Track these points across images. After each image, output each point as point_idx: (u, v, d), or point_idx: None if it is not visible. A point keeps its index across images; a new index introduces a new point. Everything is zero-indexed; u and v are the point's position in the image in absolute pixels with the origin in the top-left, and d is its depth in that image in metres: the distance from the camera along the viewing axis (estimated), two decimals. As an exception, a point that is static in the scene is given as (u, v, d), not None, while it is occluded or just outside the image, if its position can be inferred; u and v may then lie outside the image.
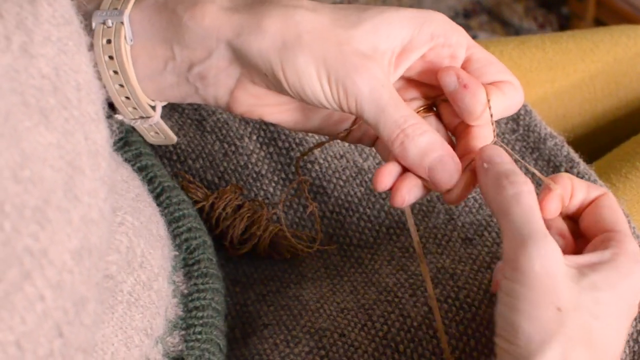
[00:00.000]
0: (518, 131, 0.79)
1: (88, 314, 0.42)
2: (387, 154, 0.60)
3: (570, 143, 0.78)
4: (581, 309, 0.51)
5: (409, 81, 0.61)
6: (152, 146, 0.75)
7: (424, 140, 0.55)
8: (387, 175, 0.57)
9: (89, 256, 0.42)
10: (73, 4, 0.47)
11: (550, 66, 0.91)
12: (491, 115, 0.57)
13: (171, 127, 0.76)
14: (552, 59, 0.91)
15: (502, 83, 0.58)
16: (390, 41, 0.57)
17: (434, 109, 0.61)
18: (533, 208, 0.52)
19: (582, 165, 0.76)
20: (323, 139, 0.72)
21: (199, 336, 0.60)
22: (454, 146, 0.59)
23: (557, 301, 0.50)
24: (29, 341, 0.38)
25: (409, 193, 0.56)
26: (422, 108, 0.60)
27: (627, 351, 0.67)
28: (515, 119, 0.80)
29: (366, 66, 0.55)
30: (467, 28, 1.92)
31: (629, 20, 1.70)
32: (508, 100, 0.58)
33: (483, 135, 0.58)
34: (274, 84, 0.57)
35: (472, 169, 0.57)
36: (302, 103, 0.60)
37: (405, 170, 0.57)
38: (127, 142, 0.68)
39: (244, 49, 0.56)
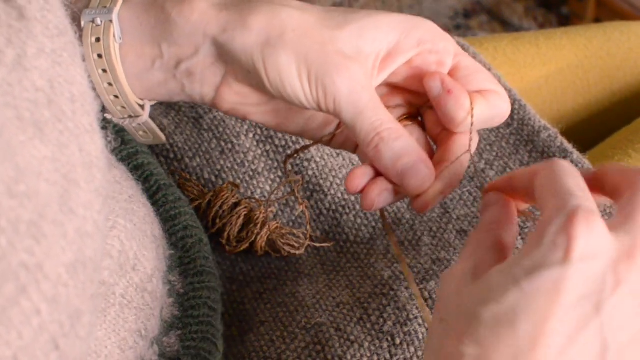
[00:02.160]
0: (512, 125, 0.80)
1: (83, 326, 0.42)
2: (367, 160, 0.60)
3: (563, 134, 0.79)
4: None
5: (394, 88, 0.61)
6: (148, 145, 0.75)
7: (399, 145, 0.55)
8: (359, 178, 0.57)
9: (83, 269, 0.42)
10: (67, 15, 0.47)
11: (544, 62, 0.91)
12: (472, 124, 0.57)
13: (168, 125, 0.76)
14: (546, 54, 0.91)
15: (488, 92, 0.58)
16: (375, 44, 0.57)
17: (420, 118, 0.61)
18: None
19: (576, 155, 0.76)
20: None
21: (195, 335, 0.60)
22: (433, 155, 0.59)
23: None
24: (25, 355, 0.38)
25: (379, 196, 0.56)
26: (405, 116, 0.60)
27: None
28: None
29: (347, 66, 0.55)
30: (467, 28, 1.92)
31: (628, 19, 1.70)
32: (492, 109, 0.58)
33: (464, 144, 0.58)
34: (256, 82, 0.57)
35: (443, 178, 0.56)
36: (285, 105, 0.60)
37: (379, 175, 0.57)
38: (123, 140, 0.68)
39: (228, 44, 0.57)
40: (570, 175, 0.47)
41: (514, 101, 0.80)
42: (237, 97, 0.60)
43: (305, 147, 0.63)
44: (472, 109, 0.56)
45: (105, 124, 0.62)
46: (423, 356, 0.49)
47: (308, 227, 0.72)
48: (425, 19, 0.59)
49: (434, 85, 0.57)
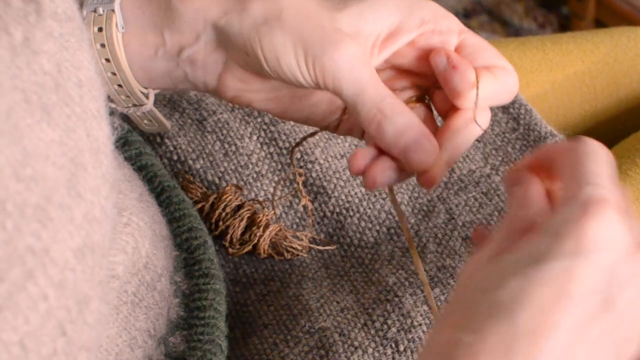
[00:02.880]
0: (518, 130, 0.79)
1: (91, 312, 0.42)
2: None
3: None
4: None
5: (400, 70, 0.61)
6: (152, 146, 0.75)
7: (401, 120, 0.55)
8: (361, 158, 0.56)
9: (91, 254, 0.42)
10: (75, 1, 0.47)
11: (550, 67, 0.91)
12: (477, 96, 0.56)
13: (172, 127, 0.76)
14: (553, 60, 0.91)
15: (495, 68, 0.57)
16: (376, 25, 0.57)
17: (427, 100, 0.60)
18: None
19: (582, 163, 0.76)
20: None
21: (201, 337, 0.60)
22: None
23: None
24: (32, 341, 0.38)
25: (381, 174, 0.56)
26: (413, 98, 0.60)
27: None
28: (515, 117, 0.80)
29: (346, 42, 0.55)
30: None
31: (629, 20, 1.70)
32: (499, 84, 0.57)
33: (470, 116, 0.57)
34: (255, 64, 0.57)
35: (446, 150, 0.56)
36: (289, 91, 0.60)
37: (382, 154, 0.56)
38: (126, 141, 0.68)
39: (226, 28, 0.57)
40: (594, 159, 0.46)
41: (520, 106, 0.80)
42: (240, 84, 0.59)
43: (313, 134, 0.63)
44: (478, 82, 0.56)
45: (112, 110, 0.62)
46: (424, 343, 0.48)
47: (310, 220, 0.71)
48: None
49: (439, 61, 0.57)
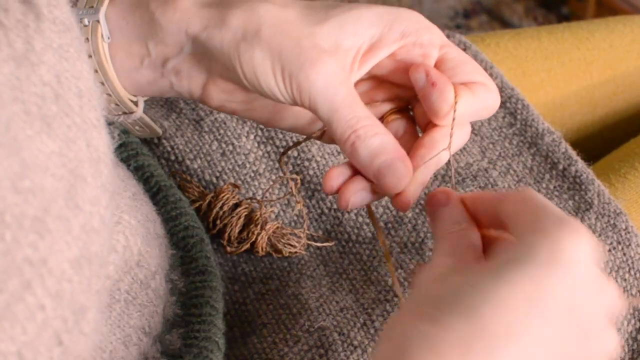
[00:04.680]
0: (515, 125, 0.79)
1: (87, 322, 0.43)
2: None
3: (567, 141, 0.78)
4: None
5: (381, 81, 0.60)
6: (149, 147, 0.75)
7: (375, 142, 0.54)
8: (334, 178, 0.56)
9: (89, 265, 0.42)
10: (73, 11, 0.47)
11: (545, 55, 0.90)
12: (453, 119, 0.55)
13: (169, 128, 0.76)
14: (548, 48, 0.91)
15: (475, 84, 0.57)
16: (356, 38, 0.56)
17: (410, 111, 0.60)
18: None
19: (580, 164, 0.76)
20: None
21: (197, 334, 0.60)
22: None
23: None
24: (29, 350, 0.38)
25: (355, 195, 0.56)
26: (394, 110, 0.59)
27: (627, 349, 0.67)
28: (512, 113, 0.80)
29: (323, 60, 0.54)
30: (467, 28, 1.92)
31: (629, 19, 1.71)
32: (478, 102, 0.57)
33: (447, 134, 0.56)
34: (236, 79, 0.57)
35: (421, 173, 0.56)
36: (272, 102, 0.59)
37: (357, 173, 0.56)
38: (124, 142, 0.68)
39: (207, 42, 0.56)
40: (547, 203, 0.48)
41: (517, 101, 0.80)
42: (224, 95, 0.59)
43: (297, 144, 0.63)
44: (456, 102, 0.55)
45: (111, 119, 0.63)
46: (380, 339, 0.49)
47: (305, 225, 0.71)
48: (410, 10, 0.58)
49: (418, 77, 0.56)
